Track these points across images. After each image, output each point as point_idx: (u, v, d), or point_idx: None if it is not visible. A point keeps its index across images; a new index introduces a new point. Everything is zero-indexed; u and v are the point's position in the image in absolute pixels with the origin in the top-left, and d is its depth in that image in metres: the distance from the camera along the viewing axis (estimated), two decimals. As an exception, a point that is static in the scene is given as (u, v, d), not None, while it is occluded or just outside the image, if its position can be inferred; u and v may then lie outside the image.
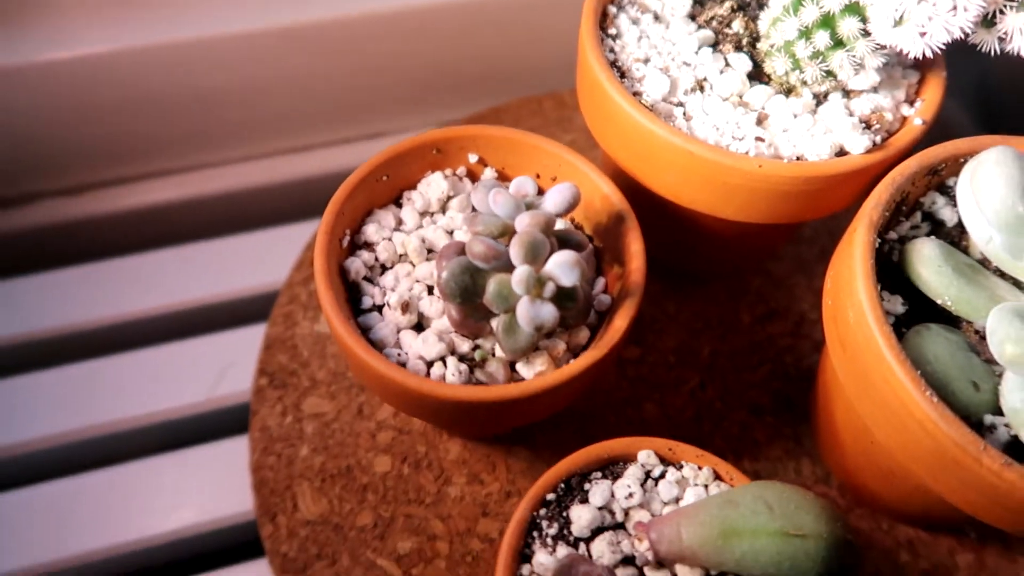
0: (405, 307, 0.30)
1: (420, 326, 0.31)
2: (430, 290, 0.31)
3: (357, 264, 0.31)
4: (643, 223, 0.32)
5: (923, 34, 0.26)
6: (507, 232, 0.29)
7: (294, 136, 0.52)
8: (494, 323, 0.30)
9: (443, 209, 0.33)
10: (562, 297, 0.28)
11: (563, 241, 0.29)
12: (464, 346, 0.30)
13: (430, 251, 0.32)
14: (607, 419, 0.40)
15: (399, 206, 0.34)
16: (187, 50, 0.46)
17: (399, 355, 0.29)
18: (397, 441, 0.38)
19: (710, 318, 0.43)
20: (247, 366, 0.41)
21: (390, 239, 0.32)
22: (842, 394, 0.33)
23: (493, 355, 0.30)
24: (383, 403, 0.39)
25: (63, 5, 0.46)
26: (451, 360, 0.29)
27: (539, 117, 0.51)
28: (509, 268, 0.28)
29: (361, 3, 0.48)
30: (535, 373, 0.29)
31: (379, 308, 0.31)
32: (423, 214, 0.33)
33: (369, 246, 0.32)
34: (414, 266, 0.32)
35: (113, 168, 0.51)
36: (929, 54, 0.27)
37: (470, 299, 0.28)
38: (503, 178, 0.35)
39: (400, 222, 0.33)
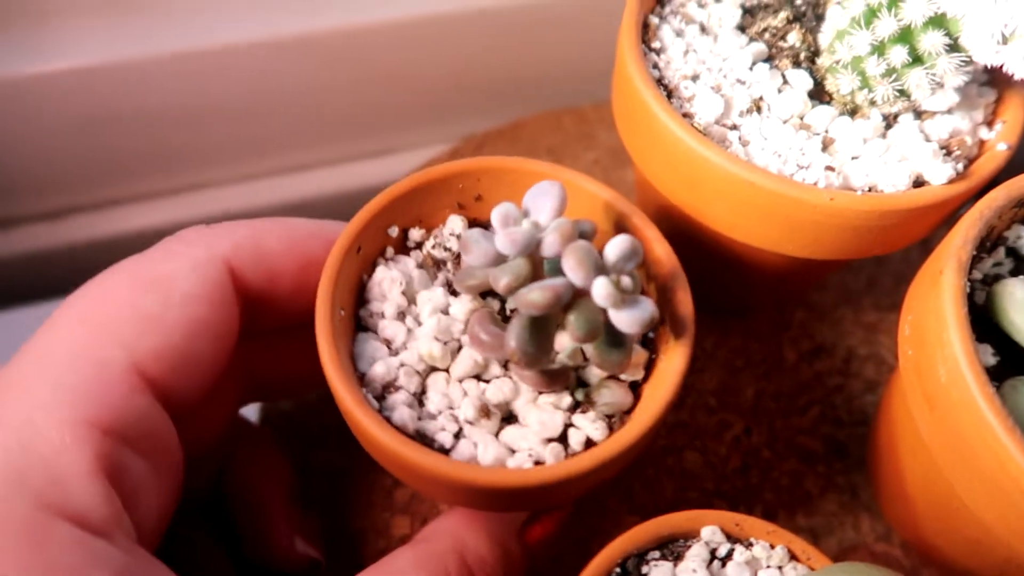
0: (486, 412, 0.25)
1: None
2: (478, 379, 0.27)
3: (401, 411, 0.25)
4: (680, 253, 0.29)
5: (1034, 52, 0.23)
6: (534, 266, 0.25)
7: (297, 154, 0.49)
8: (561, 355, 0.26)
9: (411, 300, 0.28)
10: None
11: (582, 234, 0.26)
12: (566, 398, 0.26)
13: (445, 343, 0.27)
14: (646, 471, 0.36)
15: (367, 331, 0.28)
16: (182, 62, 0.42)
17: (530, 455, 0.25)
18: (416, 499, 0.34)
19: (752, 355, 0.40)
20: (248, 412, 0.37)
21: (400, 365, 0.26)
22: (920, 452, 0.29)
23: (585, 389, 0.26)
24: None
25: (50, 14, 0.42)
26: (583, 419, 0.25)
27: (559, 133, 0.47)
28: (568, 295, 0.24)
29: (365, 13, 0.44)
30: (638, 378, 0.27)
31: (457, 435, 0.26)
32: (400, 317, 0.27)
33: (388, 387, 0.26)
34: (448, 371, 0.27)
35: (100, 189, 0.48)
36: (1039, 75, 0.24)
37: (548, 354, 0.25)
38: (420, 223, 0.30)
39: (389, 343, 0.27)
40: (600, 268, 0.24)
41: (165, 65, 0.43)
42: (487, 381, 0.26)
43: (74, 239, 0.48)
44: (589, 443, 0.25)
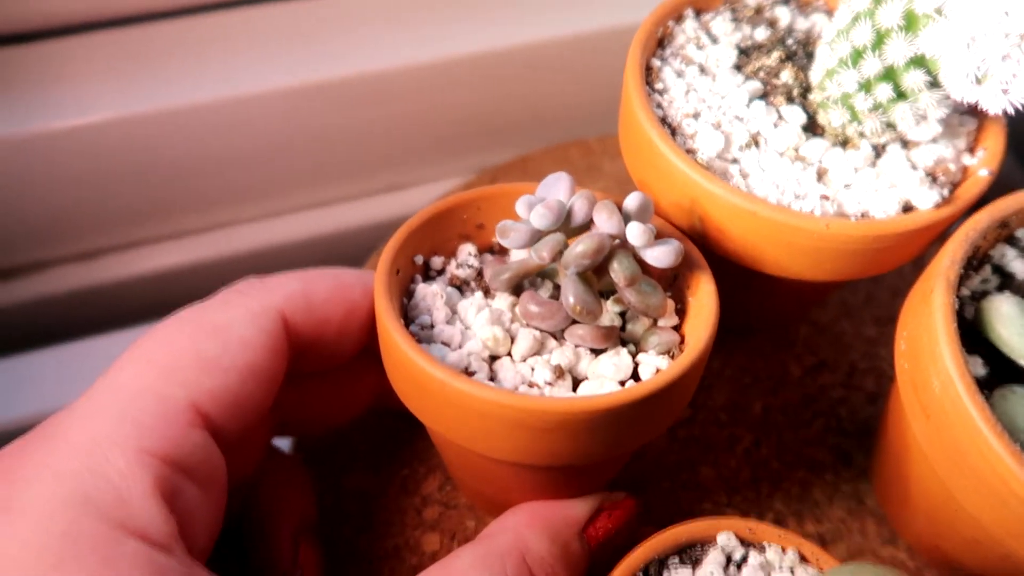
0: (560, 372, 0.28)
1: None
2: (539, 353, 0.29)
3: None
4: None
5: (1005, 91, 0.25)
6: (572, 234, 0.28)
7: (318, 191, 0.51)
8: (608, 305, 0.30)
9: (453, 316, 0.30)
10: None
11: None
12: (622, 350, 0.28)
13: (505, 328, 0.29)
14: (662, 484, 0.38)
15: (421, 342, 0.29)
16: (207, 112, 0.45)
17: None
18: (445, 517, 0.36)
19: (758, 372, 0.42)
20: (281, 441, 0.39)
21: (468, 354, 0.28)
22: (919, 459, 0.31)
23: (635, 343, 0.29)
24: (427, 476, 0.37)
25: (69, 72, 0.45)
26: (647, 356, 0.28)
27: (566, 165, 0.49)
28: (608, 243, 0.27)
29: (380, 60, 0.46)
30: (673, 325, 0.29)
31: None
32: (450, 322, 0.29)
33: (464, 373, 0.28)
34: (511, 355, 0.28)
35: (128, 230, 0.50)
36: (1011, 111, 0.26)
37: (601, 307, 0.28)
38: (435, 254, 0.32)
39: (448, 344, 0.29)
40: (626, 219, 0.28)
41: (192, 114, 0.45)
42: (551, 353, 0.29)
43: (105, 278, 0.50)
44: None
